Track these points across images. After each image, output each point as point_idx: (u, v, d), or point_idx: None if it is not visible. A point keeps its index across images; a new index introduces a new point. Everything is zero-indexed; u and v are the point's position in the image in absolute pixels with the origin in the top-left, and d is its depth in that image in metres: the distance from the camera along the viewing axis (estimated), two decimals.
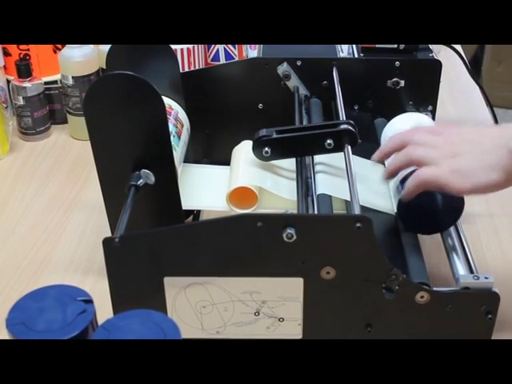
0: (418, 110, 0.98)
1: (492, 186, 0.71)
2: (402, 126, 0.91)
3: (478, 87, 1.21)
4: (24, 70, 1.15)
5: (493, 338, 0.73)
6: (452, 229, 0.80)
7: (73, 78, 1.15)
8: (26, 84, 1.16)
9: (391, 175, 0.79)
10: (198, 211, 0.94)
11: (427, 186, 0.73)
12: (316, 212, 0.79)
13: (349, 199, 0.77)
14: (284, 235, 0.67)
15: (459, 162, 0.72)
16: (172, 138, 0.81)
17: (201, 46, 1.19)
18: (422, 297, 0.70)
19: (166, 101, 0.89)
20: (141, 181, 0.76)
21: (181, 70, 0.94)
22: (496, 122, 1.19)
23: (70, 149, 1.18)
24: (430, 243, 0.88)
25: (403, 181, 0.79)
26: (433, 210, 0.79)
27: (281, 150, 0.84)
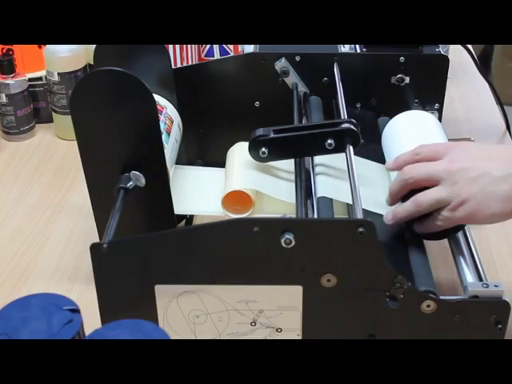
0: (423, 108, 0.98)
1: (508, 215, 0.73)
2: (404, 125, 0.91)
3: (487, 84, 1.22)
4: (7, 66, 1.15)
5: None
6: (460, 234, 0.80)
7: (58, 74, 1.15)
8: (9, 81, 1.16)
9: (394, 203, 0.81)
10: (191, 216, 0.94)
11: (445, 226, 0.76)
12: (316, 216, 0.79)
13: (351, 202, 0.77)
14: (282, 241, 0.67)
15: (471, 196, 0.73)
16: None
17: None
18: (429, 306, 0.70)
19: (155, 98, 0.89)
20: (130, 183, 0.76)
21: (173, 66, 0.94)
22: (506, 120, 1.20)
23: (55, 149, 1.18)
24: (437, 249, 0.88)
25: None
26: None
27: (279, 150, 0.84)
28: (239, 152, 0.89)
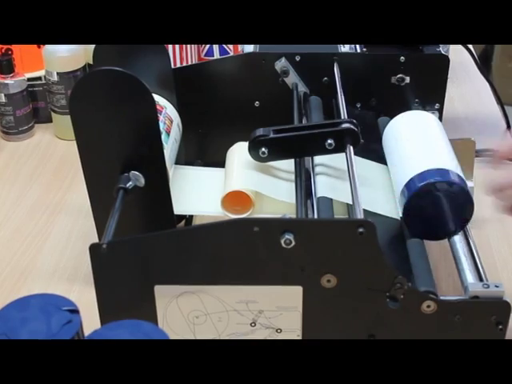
0: (424, 108, 0.98)
1: None
2: (405, 125, 0.91)
3: (487, 84, 1.22)
4: (6, 65, 1.15)
5: None
6: (460, 234, 0.80)
7: (58, 74, 1.15)
8: (8, 80, 1.16)
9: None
10: (191, 216, 0.94)
11: None
12: (316, 216, 0.79)
13: (351, 203, 0.77)
14: (282, 241, 0.67)
15: None
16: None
17: None
18: (429, 306, 0.70)
19: (155, 97, 0.89)
20: (130, 183, 0.76)
21: (172, 66, 0.94)
22: (507, 121, 1.20)
23: (54, 149, 1.18)
24: (437, 249, 0.88)
25: (408, 184, 0.79)
26: (440, 214, 0.79)
27: (278, 150, 0.84)
28: (239, 152, 0.89)
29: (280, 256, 0.68)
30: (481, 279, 0.74)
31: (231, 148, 0.91)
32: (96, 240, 0.72)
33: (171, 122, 0.91)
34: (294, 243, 0.67)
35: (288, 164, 0.86)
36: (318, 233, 0.68)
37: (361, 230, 0.67)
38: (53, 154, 1.17)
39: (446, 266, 0.87)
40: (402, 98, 0.98)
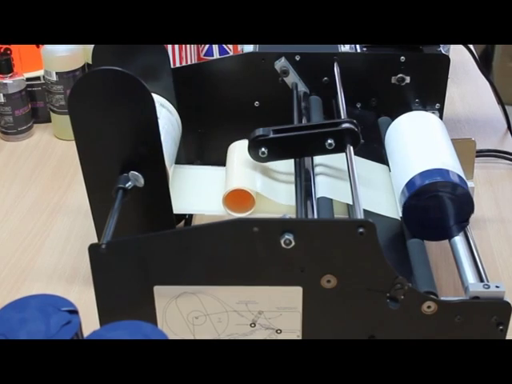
0: (424, 108, 0.98)
1: None
2: (408, 125, 0.91)
3: (488, 84, 1.22)
4: (5, 65, 1.15)
5: None
6: (461, 234, 0.80)
7: (57, 73, 1.15)
8: (7, 80, 1.16)
9: None
10: (190, 216, 0.94)
11: None
12: (316, 216, 0.79)
13: (351, 203, 0.77)
14: (282, 241, 0.67)
15: None
16: None
17: None
18: (429, 307, 0.70)
19: (154, 97, 0.89)
20: (129, 183, 0.76)
21: (172, 66, 0.94)
22: (508, 120, 1.20)
23: (53, 149, 1.18)
24: (438, 249, 0.88)
25: (409, 184, 0.79)
26: (440, 214, 0.79)
27: (278, 150, 0.84)
28: (240, 150, 0.88)
29: (280, 256, 0.68)
30: (481, 279, 0.74)
31: (232, 145, 0.91)
32: (95, 240, 0.72)
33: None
34: (293, 243, 0.67)
35: (288, 164, 0.86)
36: (317, 233, 0.68)
37: (361, 230, 0.67)
38: (52, 154, 1.17)
39: (447, 266, 0.87)
40: (403, 98, 0.98)
